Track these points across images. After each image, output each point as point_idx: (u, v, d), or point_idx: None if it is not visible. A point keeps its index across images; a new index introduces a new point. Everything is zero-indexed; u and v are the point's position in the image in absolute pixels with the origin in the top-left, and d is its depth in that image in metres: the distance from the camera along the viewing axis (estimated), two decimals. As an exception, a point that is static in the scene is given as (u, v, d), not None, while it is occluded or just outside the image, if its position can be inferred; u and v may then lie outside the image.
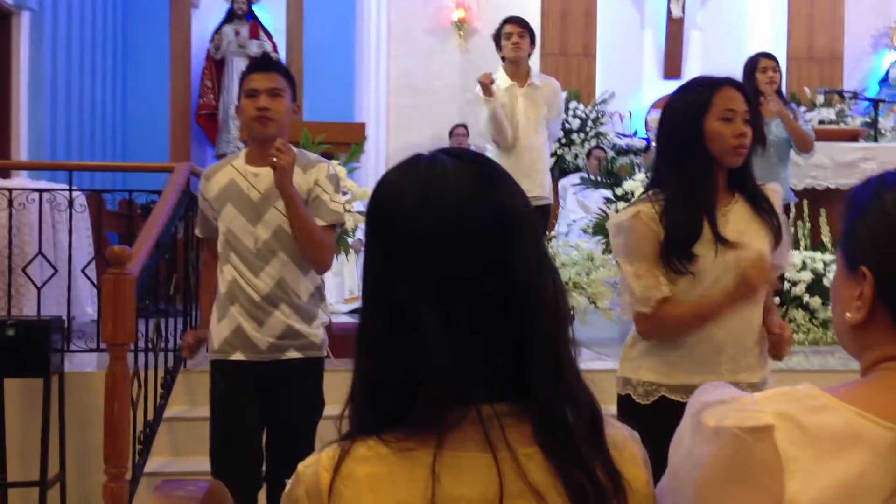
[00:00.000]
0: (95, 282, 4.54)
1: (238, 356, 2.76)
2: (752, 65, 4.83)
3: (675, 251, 2.18)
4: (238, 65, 9.17)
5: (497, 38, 4.90)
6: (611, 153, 8.24)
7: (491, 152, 4.86)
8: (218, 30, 9.85)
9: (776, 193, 2.32)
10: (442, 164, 0.93)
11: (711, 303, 2.18)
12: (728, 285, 2.18)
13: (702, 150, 2.19)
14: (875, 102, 6.84)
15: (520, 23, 4.84)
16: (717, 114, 2.19)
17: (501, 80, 4.84)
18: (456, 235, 0.89)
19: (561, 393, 0.90)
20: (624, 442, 0.96)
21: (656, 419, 2.18)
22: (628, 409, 2.31)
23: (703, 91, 2.23)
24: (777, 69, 4.82)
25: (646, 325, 2.25)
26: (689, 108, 2.23)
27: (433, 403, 0.87)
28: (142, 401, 3.67)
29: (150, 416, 3.80)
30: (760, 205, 2.26)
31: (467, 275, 0.89)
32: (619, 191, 5.48)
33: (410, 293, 0.89)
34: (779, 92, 4.85)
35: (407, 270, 0.90)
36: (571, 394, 0.91)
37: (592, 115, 8.38)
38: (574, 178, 7.58)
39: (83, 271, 4.69)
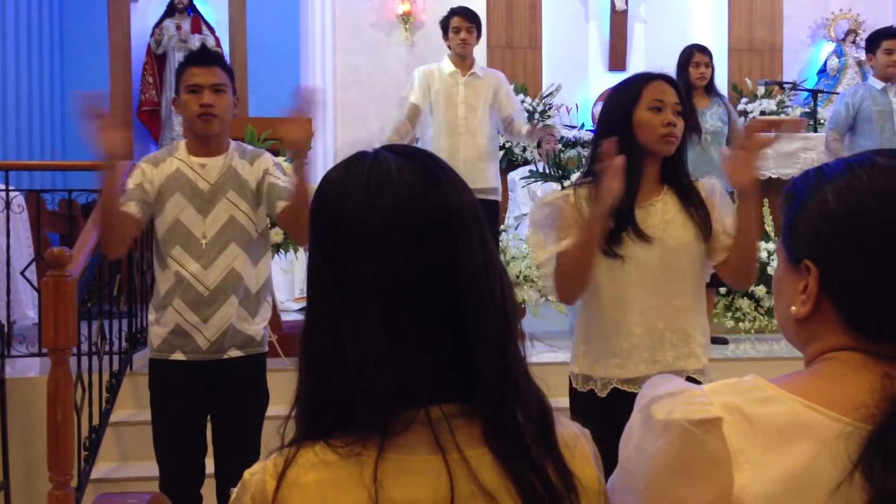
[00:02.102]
0: (36, 284, 4.42)
1: (178, 356, 2.73)
2: (687, 57, 4.91)
3: (609, 247, 2.26)
4: (180, 60, 9.01)
5: (444, 27, 4.91)
6: (558, 145, 8.28)
7: (430, 140, 4.87)
8: (158, 24, 9.66)
9: (707, 187, 2.38)
10: (385, 161, 0.91)
11: (582, 230, 2.23)
12: (647, 269, 2.27)
13: (632, 141, 2.27)
14: (814, 93, 6.98)
15: (467, 16, 4.85)
16: (646, 104, 2.29)
17: (445, 65, 4.89)
18: (399, 234, 0.87)
19: (510, 393, 0.89)
20: (574, 440, 0.96)
21: (611, 411, 2.24)
22: (588, 405, 2.36)
23: (633, 85, 2.33)
24: (710, 65, 4.90)
25: (556, 282, 2.31)
26: (620, 101, 2.32)
27: (378, 406, 0.85)
28: (86, 406, 3.59)
29: (96, 421, 3.72)
30: (689, 198, 2.33)
31: (411, 274, 0.87)
32: (567, 183, 5.51)
33: (353, 292, 0.88)
34: (710, 85, 4.93)
35: (350, 270, 0.88)
36: (520, 393, 0.90)
37: (539, 108, 8.42)
38: (523, 171, 7.61)
39: (23, 274, 4.57)
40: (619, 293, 2.31)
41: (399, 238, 0.87)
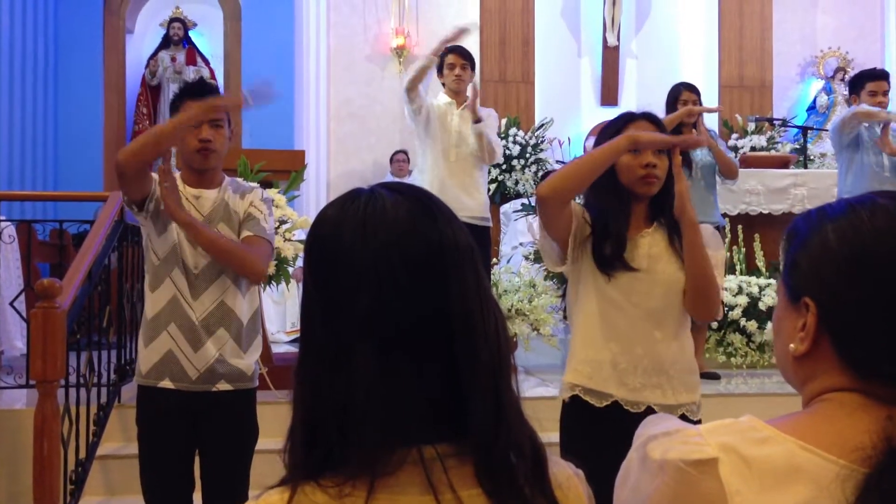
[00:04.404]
0: (25, 315, 4.39)
1: (166, 384, 2.70)
2: (675, 95, 4.99)
3: (599, 262, 2.34)
4: (175, 91, 9.06)
5: (439, 64, 4.97)
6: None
7: (424, 162, 4.90)
8: (154, 55, 9.72)
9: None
10: (381, 198, 0.91)
11: (591, 154, 2.27)
12: (641, 291, 2.33)
13: (615, 183, 2.33)
14: (804, 129, 7.05)
15: (462, 54, 4.93)
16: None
17: (441, 98, 4.96)
18: (393, 271, 0.87)
19: (503, 432, 0.88)
20: (568, 480, 0.95)
21: (572, 417, 2.37)
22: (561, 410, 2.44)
23: (615, 126, 2.39)
24: (697, 102, 4.96)
25: (540, 190, 2.27)
26: (602, 143, 2.35)
27: (369, 445, 0.84)
28: (73, 438, 3.55)
29: (83, 454, 3.68)
30: (677, 234, 2.37)
31: (405, 311, 0.87)
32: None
33: (347, 329, 0.87)
34: (698, 123, 4.99)
35: (344, 306, 0.88)
36: (513, 432, 0.89)
37: (532, 142, 8.47)
38: (516, 205, 7.64)
39: (12, 304, 4.54)
40: (602, 308, 2.36)
41: (393, 274, 0.87)
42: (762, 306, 5.29)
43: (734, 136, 8.63)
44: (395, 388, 0.85)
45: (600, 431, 2.25)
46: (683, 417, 2.34)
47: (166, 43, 9.73)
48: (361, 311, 0.87)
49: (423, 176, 4.92)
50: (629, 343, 2.34)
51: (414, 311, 0.87)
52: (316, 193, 8.15)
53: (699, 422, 2.39)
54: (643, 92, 8.57)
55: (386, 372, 0.85)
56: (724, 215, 5.47)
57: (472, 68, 4.99)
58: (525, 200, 7.27)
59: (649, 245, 2.36)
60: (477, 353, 0.87)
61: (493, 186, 8.21)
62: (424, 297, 0.87)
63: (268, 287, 4.56)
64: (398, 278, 0.87)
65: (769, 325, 5.08)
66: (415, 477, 0.86)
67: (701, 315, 2.43)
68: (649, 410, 2.31)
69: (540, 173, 8.16)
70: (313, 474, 0.86)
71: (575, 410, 2.37)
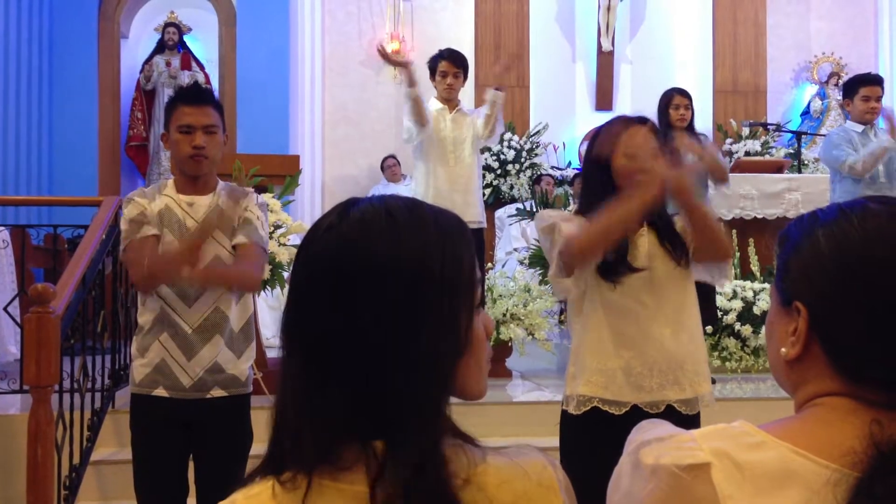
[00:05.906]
0: (19, 320, 4.38)
1: (160, 392, 2.70)
2: (667, 100, 4.99)
3: (603, 270, 2.36)
4: (170, 95, 9.05)
5: (432, 69, 4.96)
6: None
7: (422, 171, 4.89)
8: (148, 60, 9.72)
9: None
10: (359, 210, 0.94)
11: (614, 207, 2.26)
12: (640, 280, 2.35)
13: (612, 186, 2.37)
14: (798, 134, 7.07)
15: (455, 61, 4.89)
16: (622, 151, 2.37)
17: (432, 104, 4.95)
18: (322, 285, 0.91)
19: (414, 434, 0.89)
20: (542, 470, 0.93)
21: (588, 429, 2.33)
22: (563, 423, 2.43)
23: (611, 130, 2.42)
24: (689, 107, 4.97)
25: (573, 245, 2.29)
26: (599, 148, 2.41)
27: (307, 442, 0.89)
28: (67, 444, 3.54)
29: (77, 459, 3.67)
30: (668, 235, 2.42)
31: (331, 323, 0.90)
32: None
33: (289, 336, 0.94)
34: (690, 127, 4.99)
35: (289, 314, 0.94)
36: (424, 436, 0.89)
37: (527, 146, 8.48)
38: (510, 209, 7.64)
39: (6, 309, 4.53)
40: (609, 316, 2.37)
41: (321, 289, 0.91)
42: (757, 311, 5.30)
43: (728, 140, 8.65)
44: (319, 392, 0.90)
45: (619, 437, 2.21)
46: (695, 419, 2.38)
47: (161, 48, 9.72)
48: (295, 318, 0.93)
49: (419, 184, 4.91)
50: (641, 347, 2.36)
51: (346, 324, 0.89)
52: (311, 198, 8.15)
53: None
54: (637, 97, 8.59)
55: (315, 378, 0.90)
56: (719, 220, 5.49)
57: (465, 75, 4.97)
58: (520, 205, 7.27)
59: (648, 244, 2.40)
60: (406, 370, 0.89)
61: (487, 191, 8.22)
62: (352, 311, 0.89)
63: (263, 292, 4.55)
64: (326, 292, 0.90)
65: (763, 329, 5.08)
66: (359, 472, 0.88)
67: (717, 256, 2.40)
68: (669, 409, 2.32)
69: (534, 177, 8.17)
70: (275, 470, 0.91)
71: (589, 422, 2.36)
